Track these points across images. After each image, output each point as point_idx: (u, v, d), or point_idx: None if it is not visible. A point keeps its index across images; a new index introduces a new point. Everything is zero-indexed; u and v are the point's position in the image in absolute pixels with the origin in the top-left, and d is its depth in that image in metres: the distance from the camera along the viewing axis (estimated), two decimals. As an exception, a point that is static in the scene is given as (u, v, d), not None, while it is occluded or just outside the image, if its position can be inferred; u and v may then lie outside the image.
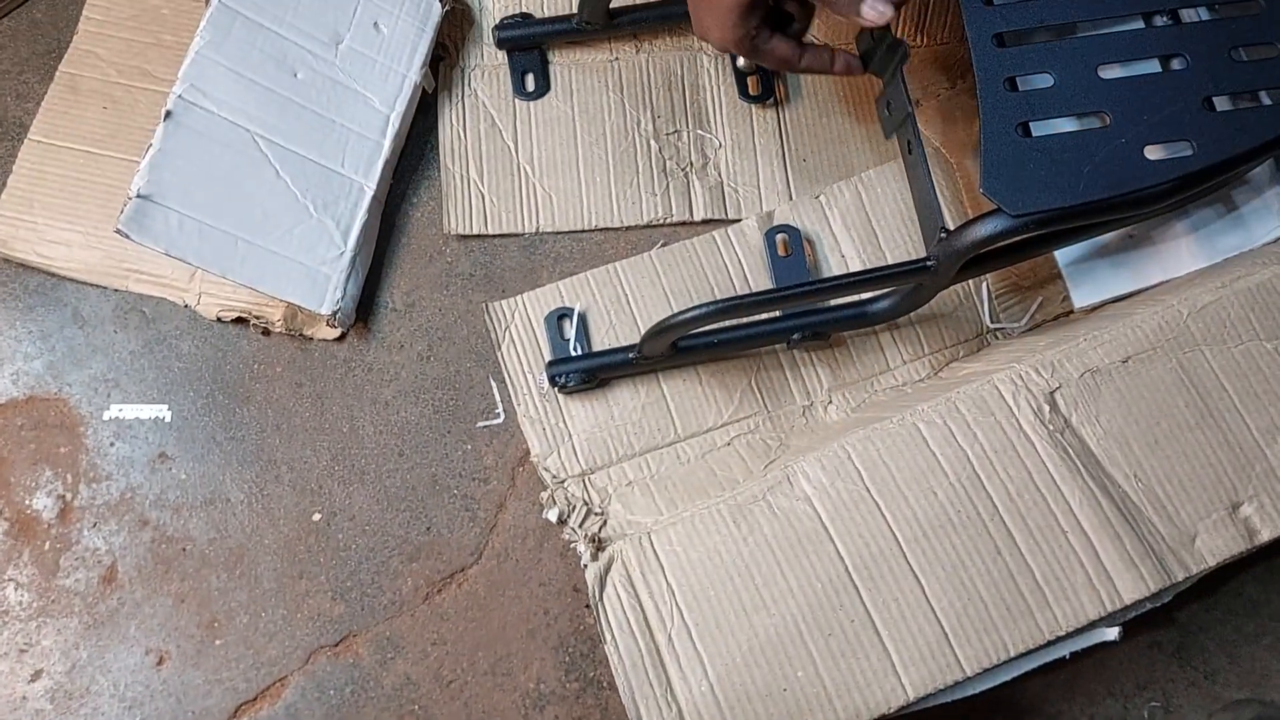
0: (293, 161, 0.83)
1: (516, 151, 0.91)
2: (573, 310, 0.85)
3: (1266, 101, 0.73)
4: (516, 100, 0.93)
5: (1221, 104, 0.73)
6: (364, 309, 0.86)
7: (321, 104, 0.85)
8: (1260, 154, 0.73)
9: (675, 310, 0.85)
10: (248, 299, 0.83)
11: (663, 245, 0.88)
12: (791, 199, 0.90)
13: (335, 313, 0.82)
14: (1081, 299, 0.83)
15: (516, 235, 0.89)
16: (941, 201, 0.79)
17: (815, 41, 0.78)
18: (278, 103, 0.83)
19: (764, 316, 0.83)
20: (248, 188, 0.81)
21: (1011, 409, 0.71)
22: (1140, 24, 0.76)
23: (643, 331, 0.85)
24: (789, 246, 0.87)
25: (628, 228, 0.90)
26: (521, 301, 0.86)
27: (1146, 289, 0.82)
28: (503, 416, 0.84)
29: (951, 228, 0.74)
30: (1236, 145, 0.71)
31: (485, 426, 0.84)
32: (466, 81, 0.93)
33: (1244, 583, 0.76)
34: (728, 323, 0.82)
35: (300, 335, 0.85)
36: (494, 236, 0.89)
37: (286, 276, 0.81)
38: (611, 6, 0.90)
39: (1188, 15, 0.76)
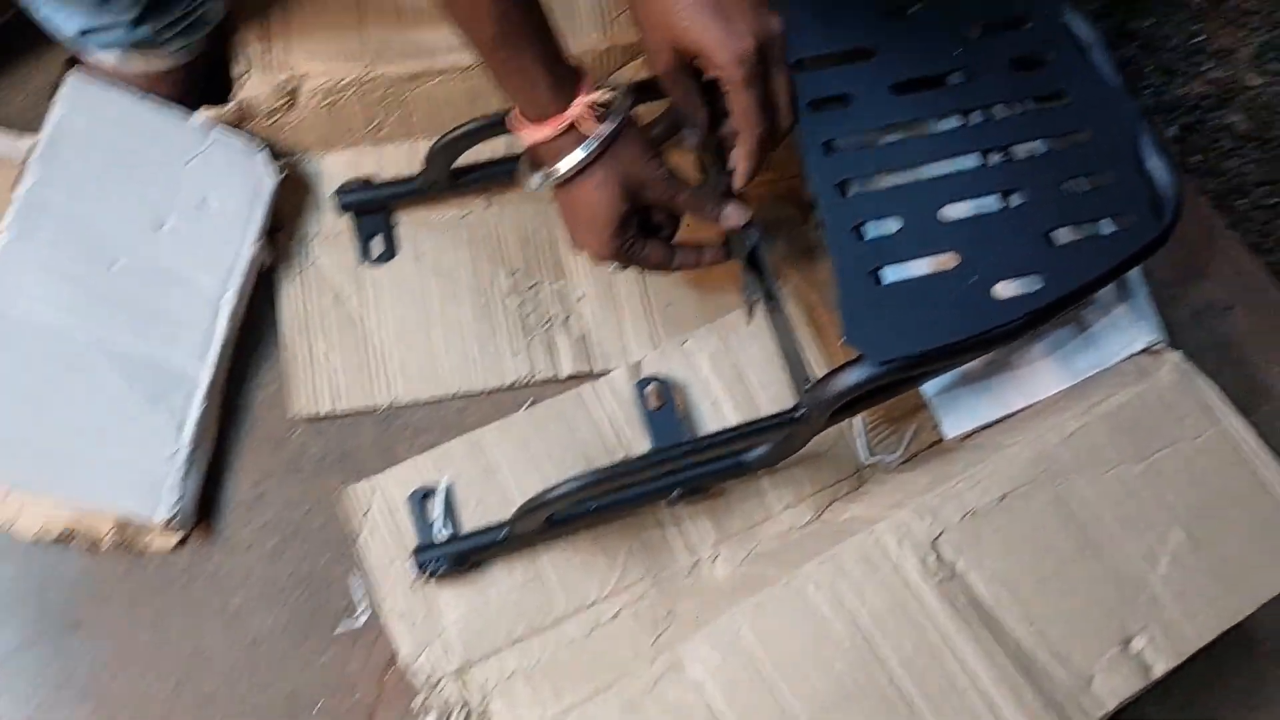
0: (116, 357, 0.76)
1: (365, 320, 0.86)
2: (437, 487, 0.80)
3: (1106, 230, 0.75)
4: (362, 267, 0.88)
5: (1063, 235, 0.74)
6: (206, 507, 0.80)
7: (146, 293, 0.79)
8: (1104, 282, 0.74)
9: (548, 476, 0.82)
10: (71, 513, 0.75)
11: (530, 406, 0.85)
12: (658, 346, 0.88)
13: (173, 517, 0.75)
14: (951, 429, 0.83)
15: (370, 411, 0.84)
16: (804, 349, 0.78)
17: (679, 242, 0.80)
18: (96, 296, 0.77)
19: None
20: (65, 391, 0.74)
21: (896, 563, 0.69)
22: (978, 162, 0.77)
23: (516, 502, 0.81)
24: (661, 397, 0.84)
25: (490, 391, 0.86)
26: (379, 483, 0.80)
27: (1013, 413, 0.83)
28: (366, 615, 0.78)
29: (817, 376, 0.73)
30: (1081, 276, 0.72)
31: (347, 629, 0.77)
32: (306, 251, 0.88)
33: (1144, 706, 0.75)
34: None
35: (133, 546, 0.77)
36: (346, 415, 0.84)
37: (115, 483, 0.74)
38: (454, 166, 0.87)
39: (1020, 151, 0.78)
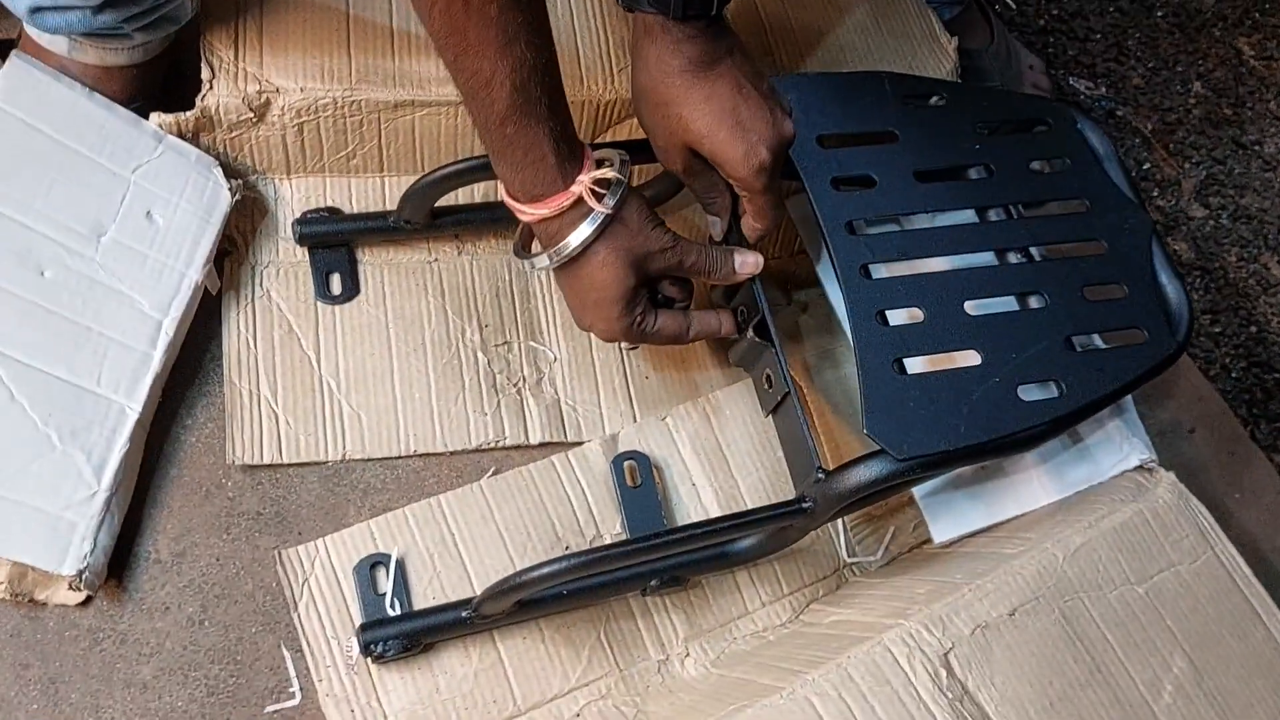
0: (32, 380, 0.66)
1: (318, 363, 0.78)
2: (388, 557, 0.71)
3: (1124, 342, 0.74)
4: (319, 304, 0.80)
5: (1083, 343, 0.73)
6: (118, 562, 0.68)
7: (75, 308, 0.69)
8: (1122, 394, 0.73)
9: (511, 552, 0.74)
10: (-43, 560, 0.63)
11: (494, 474, 0.77)
12: (636, 420, 0.82)
13: (81, 570, 0.64)
14: (941, 534, 0.79)
15: (317, 464, 0.75)
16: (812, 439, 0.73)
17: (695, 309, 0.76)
18: (18, 308, 0.66)
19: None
20: (-33, 414, 0.63)
21: (908, 675, 0.64)
22: (996, 260, 0.75)
23: (475, 579, 0.73)
24: (638, 476, 0.78)
25: (452, 453, 0.78)
26: (323, 547, 0.71)
27: (1001, 523, 0.80)
28: (298, 697, 0.68)
29: (829, 467, 0.68)
30: (1101, 387, 0.70)
31: (276, 711, 0.67)
32: (258, 281, 0.79)
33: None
34: (579, 573, 0.71)
35: (30, 600, 0.66)
36: (289, 466, 0.74)
37: (16, 529, 0.63)
38: (436, 205, 0.80)
39: (1039, 254, 0.76)
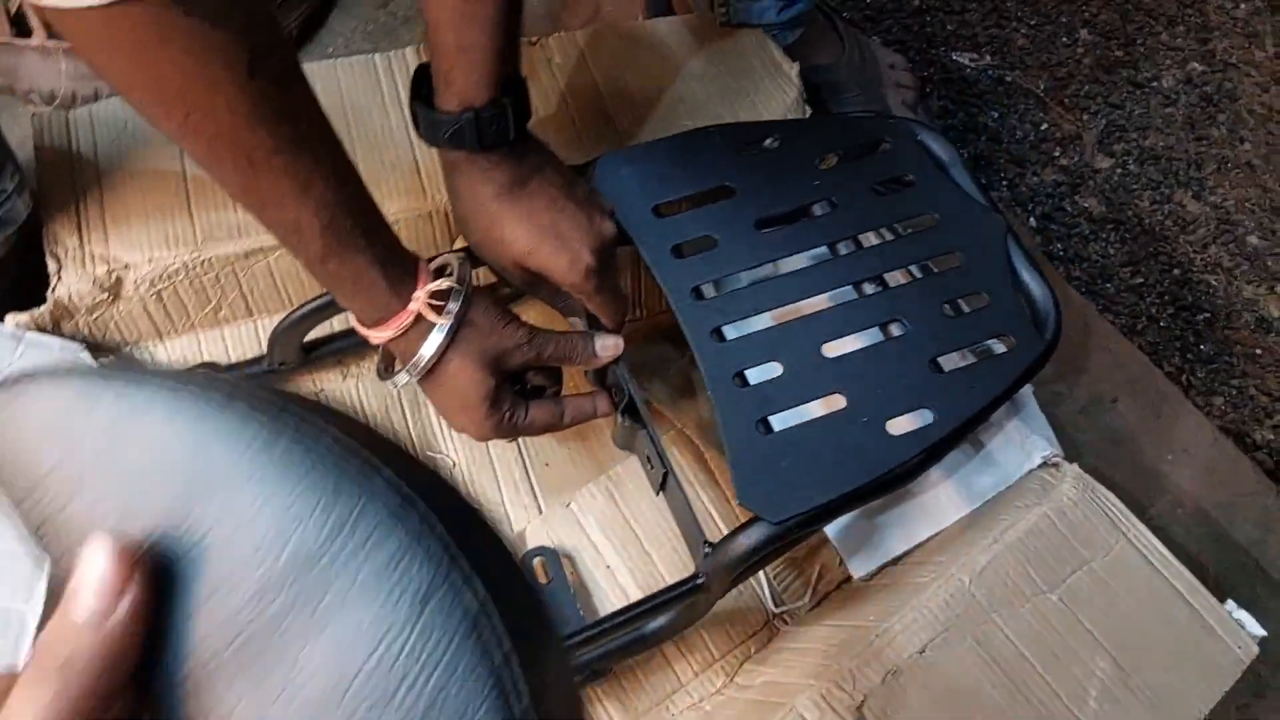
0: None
1: (218, 523, 0.78)
2: None
3: (998, 349, 0.73)
4: (210, 462, 0.80)
5: (949, 362, 0.72)
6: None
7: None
8: (996, 405, 0.72)
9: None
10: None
11: (407, 597, 0.77)
12: (541, 511, 0.82)
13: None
14: (859, 568, 0.79)
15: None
16: (696, 504, 0.73)
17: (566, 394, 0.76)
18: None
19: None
20: None
21: (822, 738, 0.64)
22: (852, 294, 0.75)
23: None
24: (548, 571, 0.78)
25: (363, 585, 0.78)
26: None
27: (918, 545, 0.79)
28: None
29: (714, 540, 0.68)
30: (973, 404, 0.70)
31: None
32: (146, 452, 0.80)
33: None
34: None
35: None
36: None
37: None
38: (306, 340, 0.81)
39: (894, 279, 0.76)
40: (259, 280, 0.83)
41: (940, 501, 0.79)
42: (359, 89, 0.88)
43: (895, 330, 0.73)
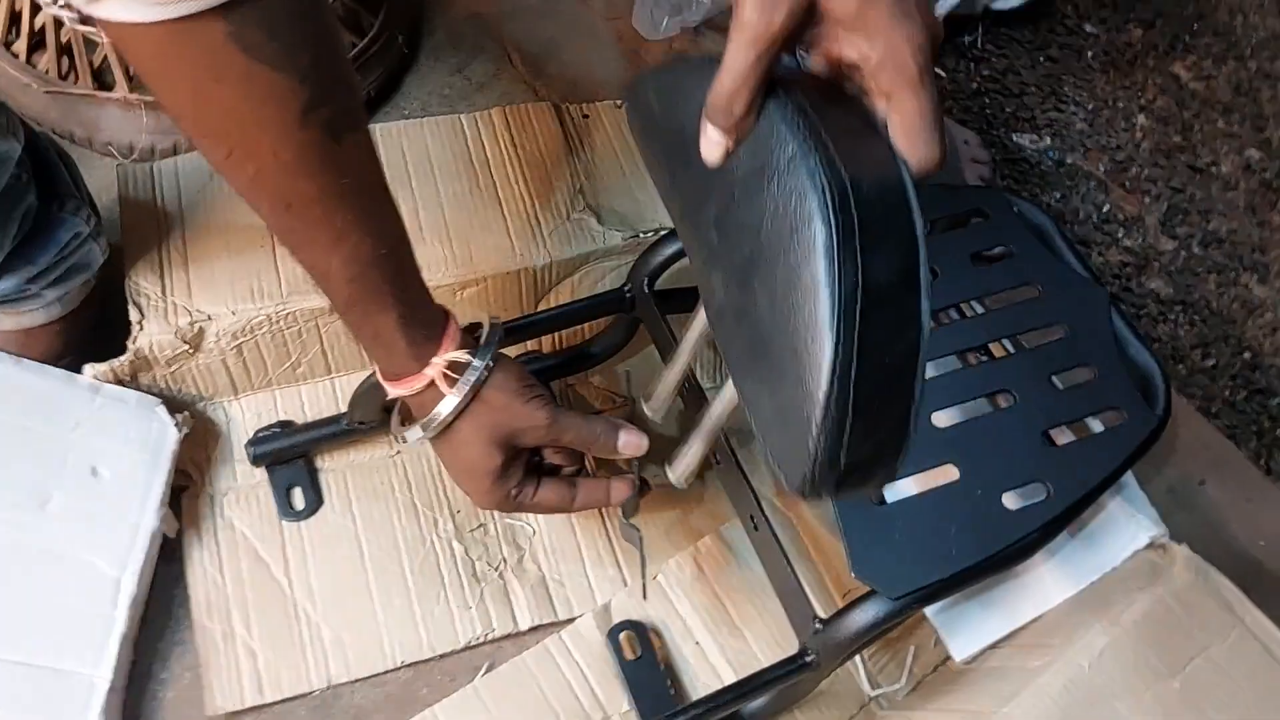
0: (-9, 671, 0.63)
1: (291, 587, 0.75)
2: (389, 783, 0.68)
3: (1097, 428, 0.71)
4: (283, 523, 0.78)
5: (1061, 435, 0.70)
6: (107, 844, 0.65)
7: (28, 584, 0.67)
8: (1111, 481, 0.69)
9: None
10: None
11: (488, 670, 0.74)
12: (627, 583, 0.79)
13: None
14: (960, 650, 0.76)
15: (304, 696, 0.72)
16: (805, 583, 0.70)
17: (587, 475, 0.72)
18: (-35, 601, 0.64)
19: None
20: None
21: (946, 830, 0.60)
22: (958, 364, 0.73)
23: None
24: (636, 646, 0.75)
25: (441, 656, 0.75)
26: (321, 785, 0.68)
27: (1021, 628, 0.76)
28: None
29: (825, 616, 0.65)
30: (1089, 479, 0.68)
31: None
32: (218, 511, 0.77)
33: None
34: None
35: None
36: (275, 704, 0.72)
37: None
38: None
39: (998, 350, 0.74)
40: (340, 336, 0.82)
41: (1044, 582, 0.76)
42: (446, 148, 0.87)
43: (1004, 402, 0.71)
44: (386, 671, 0.74)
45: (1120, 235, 1.22)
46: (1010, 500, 0.66)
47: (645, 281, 0.77)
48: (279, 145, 0.48)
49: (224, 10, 0.42)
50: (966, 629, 0.76)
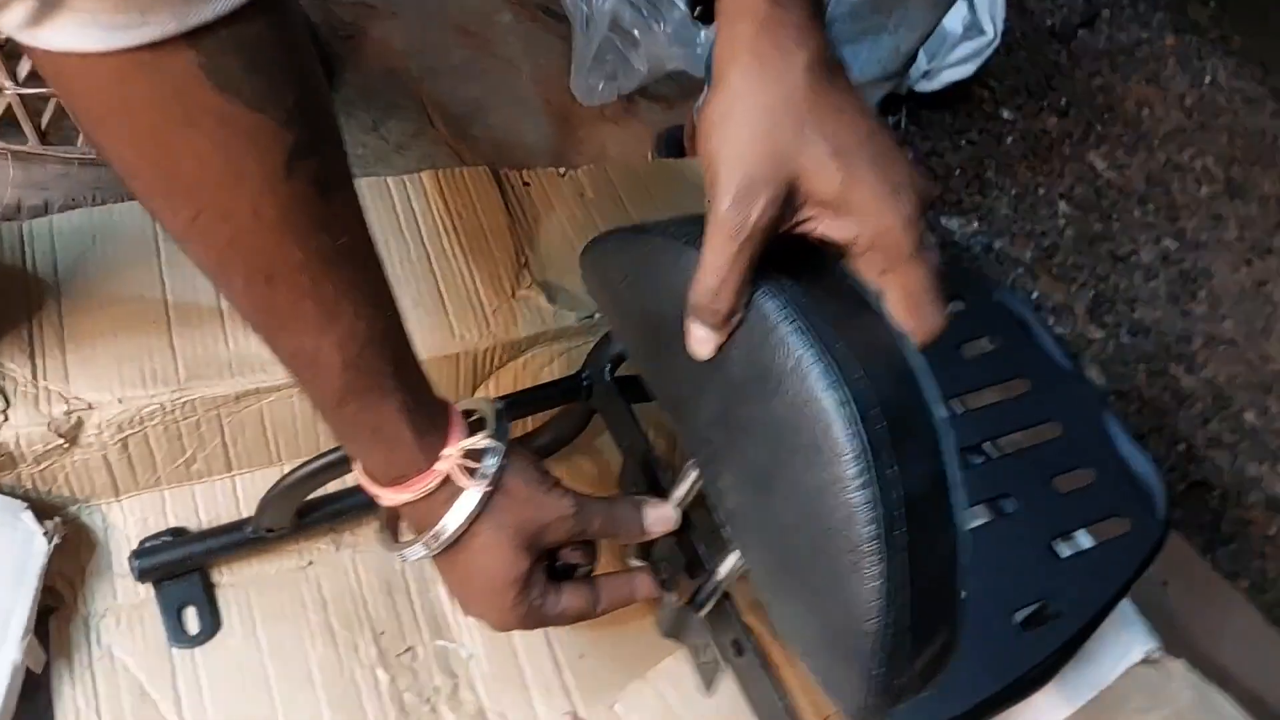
0: None
1: (182, 730, 0.63)
2: None
3: (1107, 534, 0.66)
4: (174, 650, 0.66)
5: (1064, 546, 0.64)
6: None
7: None
8: (1122, 594, 0.64)
9: None
10: None
11: (419, 824, 0.63)
12: (577, 713, 0.69)
13: None
14: (954, 782, 0.69)
15: None
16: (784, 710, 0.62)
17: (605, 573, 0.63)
18: None
19: None
20: None
21: None
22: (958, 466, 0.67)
23: None
24: (592, 790, 0.65)
25: (364, 809, 0.64)
26: None
27: (1016, 753, 0.70)
28: None
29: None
30: (1102, 594, 0.62)
31: None
32: (94, 637, 0.65)
33: None
34: None
35: None
36: None
37: None
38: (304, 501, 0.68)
39: (991, 450, 0.69)
40: (246, 429, 0.71)
41: (1037, 704, 0.70)
42: (370, 214, 0.77)
43: (1007, 507, 0.65)
44: (299, 831, 0.62)
45: (1051, 322, 1.21)
46: (1022, 620, 0.60)
47: (607, 369, 0.69)
48: (260, 202, 0.39)
49: (194, 37, 0.34)
50: (958, 757, 0.69)
